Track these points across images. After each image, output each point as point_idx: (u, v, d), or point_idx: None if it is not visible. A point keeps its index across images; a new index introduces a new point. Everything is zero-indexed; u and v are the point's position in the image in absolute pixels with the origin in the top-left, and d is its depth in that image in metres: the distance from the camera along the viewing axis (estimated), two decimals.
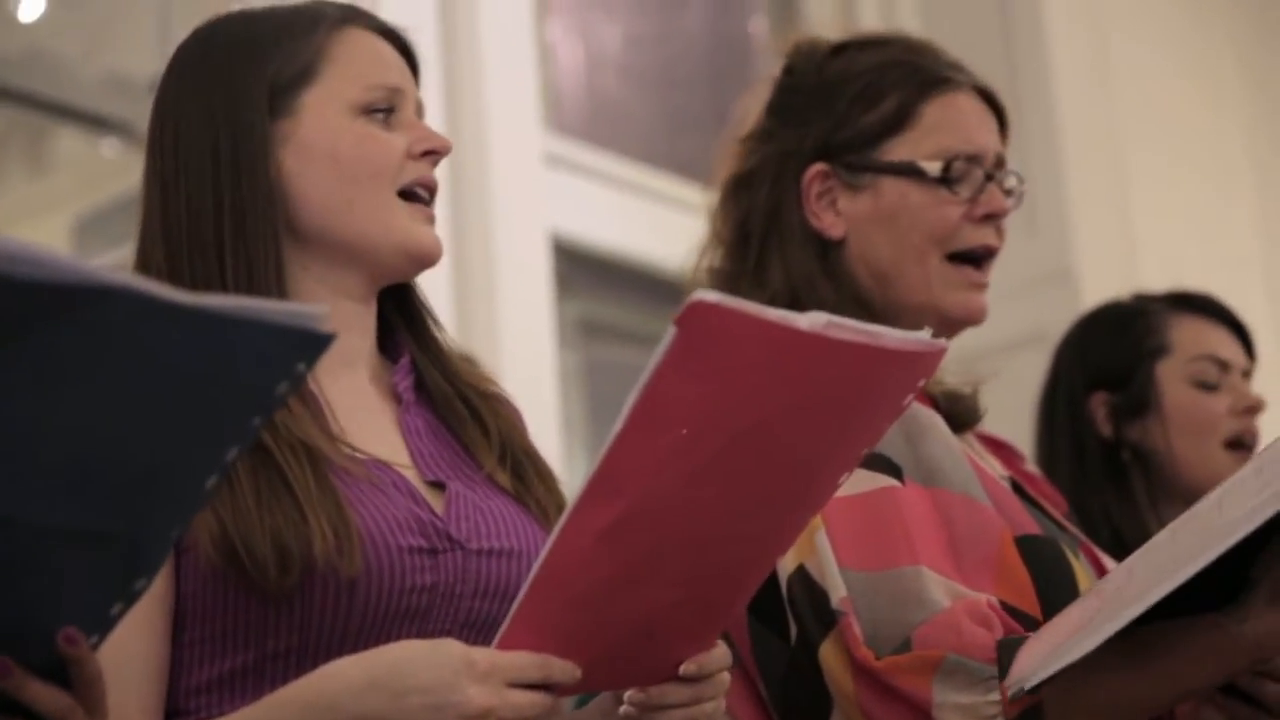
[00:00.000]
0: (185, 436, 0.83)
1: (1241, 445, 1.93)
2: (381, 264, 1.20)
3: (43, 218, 3.67)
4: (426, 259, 1.21)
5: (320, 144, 1.18)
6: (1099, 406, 1.96)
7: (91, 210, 3.57)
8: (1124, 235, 3.87)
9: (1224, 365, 1.96)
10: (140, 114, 2.99)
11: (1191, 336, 1.98)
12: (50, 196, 3.74)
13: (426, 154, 1.21)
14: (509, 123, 3.18)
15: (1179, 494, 1.91)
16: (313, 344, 0.83)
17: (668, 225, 3.55)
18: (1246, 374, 1.99)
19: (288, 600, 1.06)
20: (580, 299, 3.63)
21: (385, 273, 1.21)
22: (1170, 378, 1.95)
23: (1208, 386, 1.95)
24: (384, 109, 1.20)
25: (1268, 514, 1.04)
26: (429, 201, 1.22)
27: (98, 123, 3.16)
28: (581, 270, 3.59)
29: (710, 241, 1.48)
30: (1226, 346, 1.98)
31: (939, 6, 3.84)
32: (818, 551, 1.25)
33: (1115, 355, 1.98)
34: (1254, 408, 1.95)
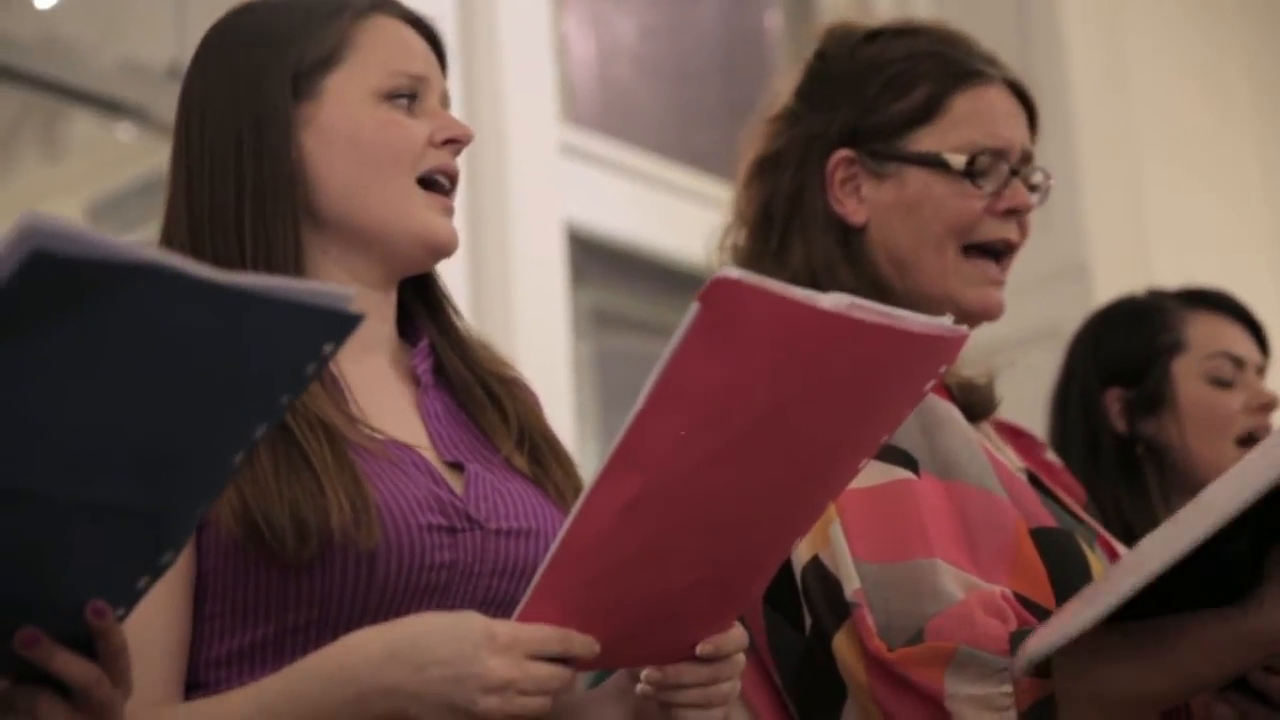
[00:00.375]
0: (214, 413, 0.84)
1: (1255, 442, 1.94)
2: (397, 252, 1.21)
3: (56, 202, 3.68)
4: (442, 249, 1.22)
5: (341, 128, 1.19)
6: (1113, 402, 1.96)
7: (105, 195, 3.58)
8: (1137, 231, 3.88)
9: (1239, 362, 1.96)
10: (155, 99, 3.01)
11: (1207, 333, 1.98)
12: (64, 181, 3.75)
13: (448, 142, 1.21)
14: (526, 113, 3.19)
15: (1192, 489, 1.90)
16: (341, 325, 0.84)
17: (680, 216, 3.56)
18: (1261, 371, 1.99)
19: (307, 572, 1.06)
20: (593, 288, 3.64)
21: (401, 261, 1.22)
22: (1185, 374, 1.95)
23: (1223, 383, 1.95)
24: (407, 96, 1.21)
25: (1270, 478, 1.04)
26: (449, 190, 1.23)
27: (112, 107, 3.17)
28: (595, 260, 3.59)
29: (734, 221, 1.48)
30: (1241, 343, 1.98)
31: (954, 2, 3.84)
32: (832, 543, 1.26)
33: (1130, 351, 1.98)
34: (1269, 405, 1.95)
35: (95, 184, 3.60)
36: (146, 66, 3.12)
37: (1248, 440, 1.93)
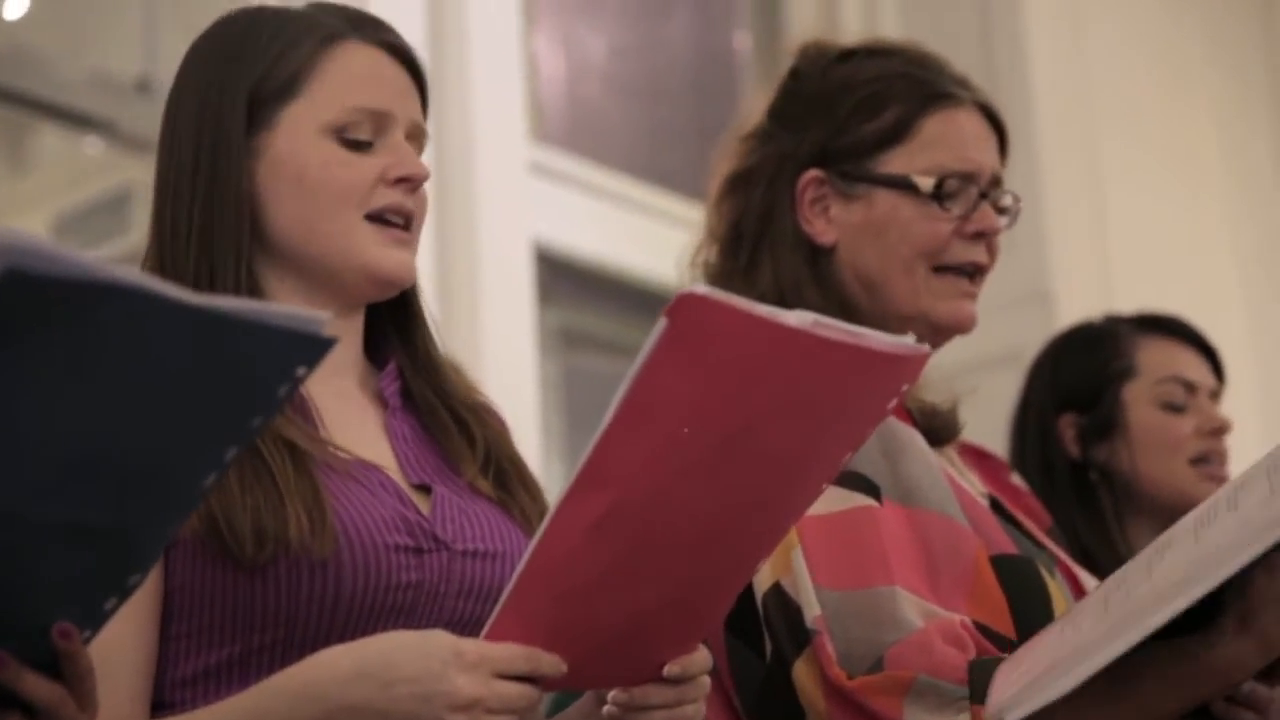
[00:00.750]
0: (186, 435, 0.84)
1: (1207, 463, 1.95)
2: (345, 286, 1.20)
3: (23, 215, 3.65)
4: (389, 282, 1.20)
5: (289, 162, 1.18)
6: (1067, 428, 1.97)
7: (72, 209, 3.56)
8: (1101, 257, 3.90)
9: (1191, 387, 1.97)
10: (123, 112, 2.99)
11: (1159, 358, 1.99)
12: (31, 194, 3.72)
13: (401, 181, 1.19)
14: (494, 131, 3.20)
15: (1146, 513, 1.93)
16: (314, 348, 0.84)
17: (649, 236, 3.57)
18: (1214, 395, 2.00)
19: (273, 589, 1.07)
20: (561, 308, 3.64)
21: (352, 294, 1.21)
22: (1137, 399, 1.96)
23: (1174, 408, 1.96)
24: (364, 131, 1.19)
25: (1255, 552, 1.04)
26: (404, 226, 1.20)
27: (80, 121, 3.15)
28: (563, 279, 3.60)
29: (706, 238, 1.48)
30: (1194, 368, 1.99)
31: (920, 24, 3.87)
32: (794, 569, 1.26)
33: (1083, 377, 2.00)
34: (1220, 429, 1.96)
35: (62, 198, 3.58)
36: (115, 80, 3.10)
37: (1199, 461, 1.95)
